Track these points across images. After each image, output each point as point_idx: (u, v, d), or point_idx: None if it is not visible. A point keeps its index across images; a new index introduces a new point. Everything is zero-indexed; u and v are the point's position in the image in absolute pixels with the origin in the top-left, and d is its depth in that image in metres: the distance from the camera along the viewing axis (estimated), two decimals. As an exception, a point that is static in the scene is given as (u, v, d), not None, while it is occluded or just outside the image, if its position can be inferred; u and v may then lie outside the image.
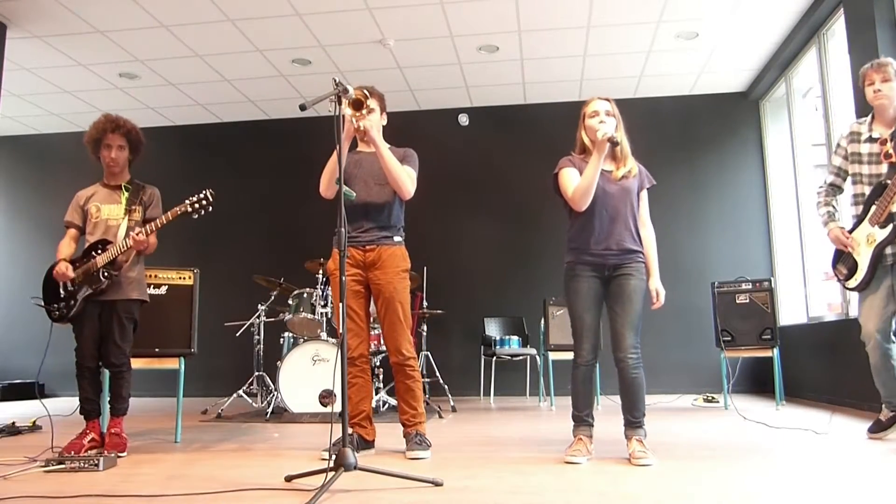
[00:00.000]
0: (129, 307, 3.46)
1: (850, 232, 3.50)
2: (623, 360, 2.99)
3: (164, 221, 3.36)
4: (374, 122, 3.33)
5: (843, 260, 3.55)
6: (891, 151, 3.33)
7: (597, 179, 2.98)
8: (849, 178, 3.58)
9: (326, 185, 3.32)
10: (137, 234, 3.30)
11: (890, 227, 3.28)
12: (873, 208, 3.37)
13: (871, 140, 3.44)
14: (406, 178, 3.31)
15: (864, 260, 3.40)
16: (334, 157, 3.27)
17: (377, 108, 3.39)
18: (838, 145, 3.62)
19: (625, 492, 2.37)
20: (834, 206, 3.64)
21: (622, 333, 3.01)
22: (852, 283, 3.47)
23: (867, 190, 3.43)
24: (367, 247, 3.30)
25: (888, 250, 3.34)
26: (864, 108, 4.61)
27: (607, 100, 3.13)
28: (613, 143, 2.95)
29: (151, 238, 3.38)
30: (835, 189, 3.66)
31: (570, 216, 3.14)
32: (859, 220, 3.47)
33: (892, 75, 3.35)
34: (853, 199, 3.55)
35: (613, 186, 3.06)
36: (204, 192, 3.36)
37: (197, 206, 3.34)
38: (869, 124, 3.48)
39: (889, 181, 3.29)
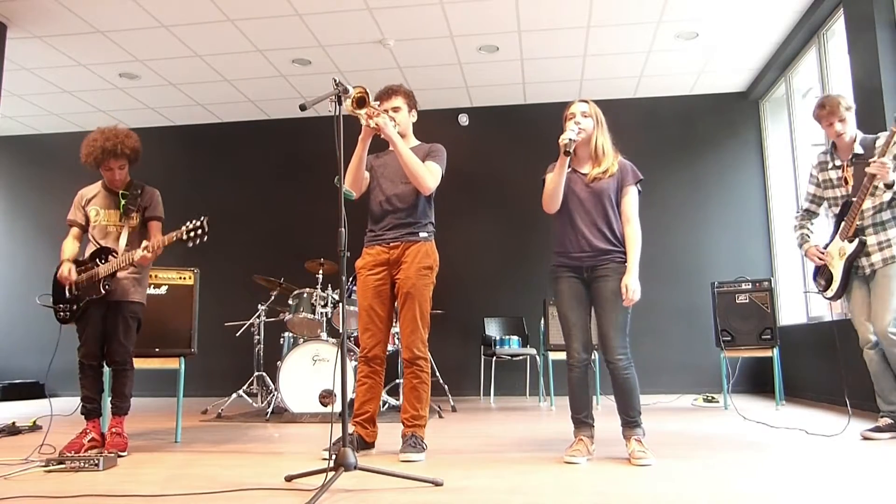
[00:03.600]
0: (133, 308, 3.50)
1: (826, 247, 3.82)
2: (612, 363, 3.00)
3: (164, 245, 3.32)
4: (402, 121, 3.34)
5: (822, 273, 3.87)
6: (848, 177, 3.72)
7: (559, 185, 3.04)
8: (824, 203, 3.91)
9: (350, 184, 3.33)
10: (144, 252, 3.28)
11: (856, 241, 3.62)
12: (842, 224, 3.69)
13: (835, 167, 3.80)
14: (423, 172, 3.26)
15: (837, 272, 3.74)
16: (354, 157, 3.29)
17: (404, 106, 3.40)
18: (811, 174, 3.96)
19: (625, 492, 2.37)
20: (808, 229, 3.99)
21: (606, 335, 3.02)
22: (829, 293, 3.80)
23: (838, 210, 3.79)
24: (392, 244, 3.29)
25: (862, 262, 3.63)
26: (863, 108, 4.63)
27: (586, 101, 3.14)
28: (566, 152, 2.96)
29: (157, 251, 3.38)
30: (810, 214, 3.99)
31: (554, 220, 3.17)
32: (832, 237, 3.78)
33: (844, 114, 3.65)
34: (831, 220, 3.87)
35: (584, 189, 3.08)
36: (200, 220, 3.28)
37: (192, 234, 3.26)
38: (831, 154, 3.82)
39: (854, 199, 3.61)
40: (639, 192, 3.13)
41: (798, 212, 4.05)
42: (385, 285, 3.30)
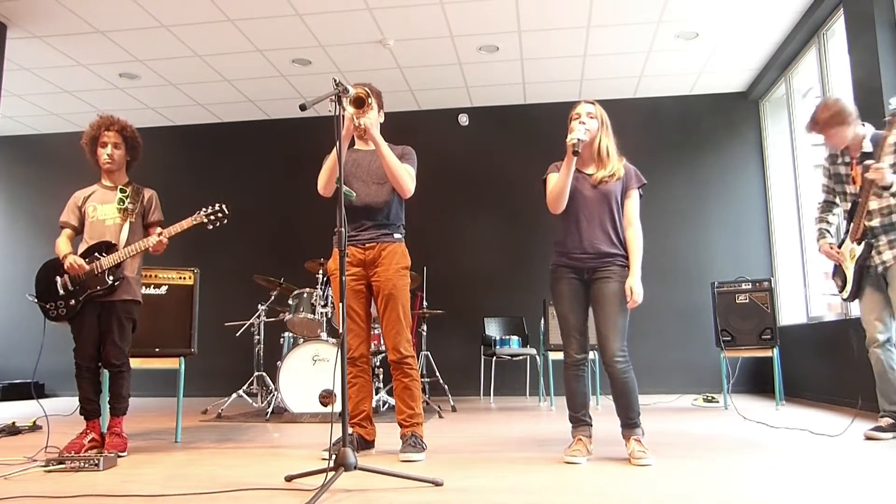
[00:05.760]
0: (128, 308, 3.46)
1: (840, 246, 3.76)
2: (610, 366, 2.99)
3: (182, 229, 3.37)
4: (373, 120, 3.30)
5: (837, 272, 3.82)
6: (856, 176, 3.63)
7: (567, 184, 3.02)
8: (839, 196, 3.84)
9: (325, 184, 3.30)
10: (161, 238, 3.34)
11: (864, 244, 3.58)
12: (852, 225, 3.63)
13: (844, 163, 3.73)
14: (407, 176, 3.29)
15: (850, 273, 3.68)
16: (332, 155, 3.26)
17: (375, 105, 3.38)
18: (824, 166, 3.90)
19: (625, 492, 2.37)
20: (828, 222, 3.91)
21: (605, 336, 3.01)
22: (844, 294, 3.76)
23: (849, 206, 3.70)
24: (367, 245, 3.30)
25: (875, 259, 3.57)
26: (864, 107, 4.63)
27: (592, 102, 3.13)
28: (574, 152, 2.95)
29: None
30: (829, 205, 3.92)
31: (556, 219, 3.16)
32: (845, 236, 3.73)
33: (845, 118, 3.55)
34: (845, 215, 3.81)
35: (591, 190, 3.07)
36: (219, 205, 3.40)
37: (213, 217, 3.39)
38: (841, 148, 3.75)
39: (859, 199, 3.55)
40: (640, 196, 3.14)
41: (819, 203, 3.97)
42: (361, 284, 3.32)
